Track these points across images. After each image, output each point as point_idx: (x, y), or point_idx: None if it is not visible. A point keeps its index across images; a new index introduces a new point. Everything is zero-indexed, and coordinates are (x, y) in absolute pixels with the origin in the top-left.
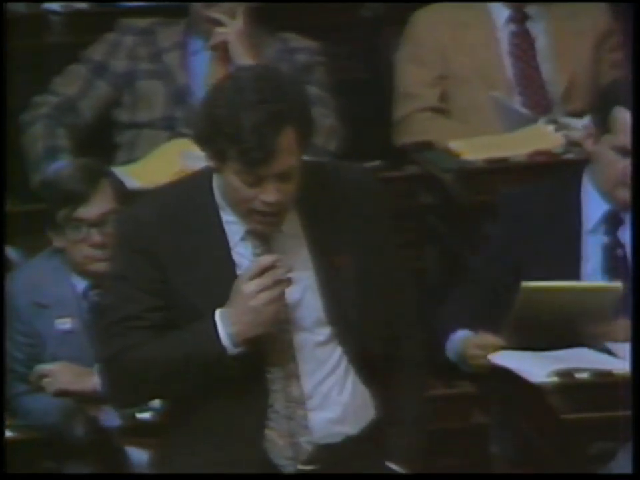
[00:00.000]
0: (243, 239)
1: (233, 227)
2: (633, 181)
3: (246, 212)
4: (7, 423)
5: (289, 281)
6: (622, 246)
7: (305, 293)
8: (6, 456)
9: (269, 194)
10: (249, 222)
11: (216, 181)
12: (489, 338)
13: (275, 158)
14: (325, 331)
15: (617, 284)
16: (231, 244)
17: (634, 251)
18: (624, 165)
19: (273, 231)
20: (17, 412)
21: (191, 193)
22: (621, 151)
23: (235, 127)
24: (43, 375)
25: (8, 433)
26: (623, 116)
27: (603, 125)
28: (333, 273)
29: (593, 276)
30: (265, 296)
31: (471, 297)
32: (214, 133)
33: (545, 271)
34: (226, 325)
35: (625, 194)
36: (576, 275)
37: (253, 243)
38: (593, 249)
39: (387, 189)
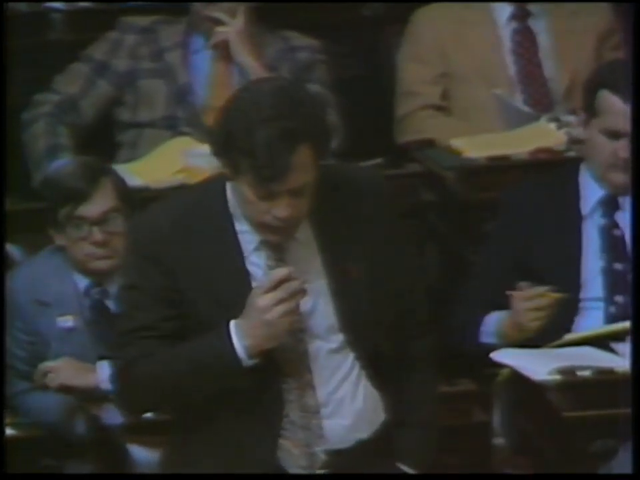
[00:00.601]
0: (256, 248)
1: (247, 236)
2: (633, 165)
3: (258, 224)
4: (8, 420)
5: (303, 293)
6: (619, 227)
7: (318, 300)
8: (6, 454)
9: (282, 209)
10: (261, 233)
11: (230, 190)
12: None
13: (289, 175)
14: (338, 338)
15: (625, 324)
16: (245, 254)
17: (634, 241)
18: (613, 147)
19: (286, 240)
20: (18, 410)
21: (204, 201)
22: (609, 134)
23: (249, 142)
24: (47, 372)
25: (8, 431)
26: (609, 99)
27: (591, 110)
28: (344, 280)
29: (592, 259)
30: (280, 309)
31: (477, 294)
32: (228, 144)
33: (547, 263)
34: (240, 337)
35: (618, 177)
36: (577, 259)
37: (266, 253)
38: (591, 230)
39: (388, 186)
